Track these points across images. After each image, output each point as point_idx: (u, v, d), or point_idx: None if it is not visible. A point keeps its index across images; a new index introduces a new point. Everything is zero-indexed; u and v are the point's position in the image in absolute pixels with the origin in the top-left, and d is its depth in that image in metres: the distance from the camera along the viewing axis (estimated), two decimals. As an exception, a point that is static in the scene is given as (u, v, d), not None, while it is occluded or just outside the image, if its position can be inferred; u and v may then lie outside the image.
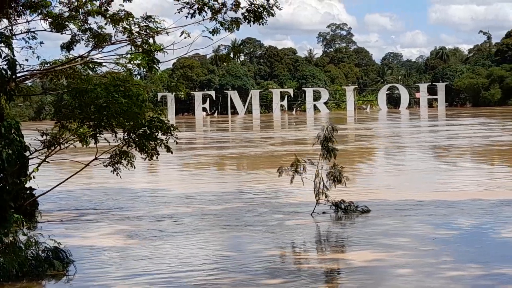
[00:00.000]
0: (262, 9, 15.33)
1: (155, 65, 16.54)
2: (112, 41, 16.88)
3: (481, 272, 13.81)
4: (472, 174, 32.09)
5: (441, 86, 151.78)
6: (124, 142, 16.76)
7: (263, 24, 15.51)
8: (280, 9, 15.46)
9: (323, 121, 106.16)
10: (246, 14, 15.45)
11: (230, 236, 18.36)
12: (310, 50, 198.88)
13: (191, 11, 15.70)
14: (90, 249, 17.07)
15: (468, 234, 17.76)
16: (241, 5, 15.59)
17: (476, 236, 17.47)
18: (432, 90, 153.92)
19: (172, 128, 16.64)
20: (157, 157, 16.75)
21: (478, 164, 37.52)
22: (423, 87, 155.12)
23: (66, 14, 16.94)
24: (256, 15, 15.40)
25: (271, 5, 15.32)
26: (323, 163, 20.73)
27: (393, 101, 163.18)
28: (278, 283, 13.49)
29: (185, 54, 16.20)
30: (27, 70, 17.74)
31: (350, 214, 20.57)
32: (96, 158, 16.98)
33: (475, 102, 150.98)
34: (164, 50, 16.34)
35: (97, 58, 17.34)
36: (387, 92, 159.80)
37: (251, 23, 15.57)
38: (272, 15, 15.46)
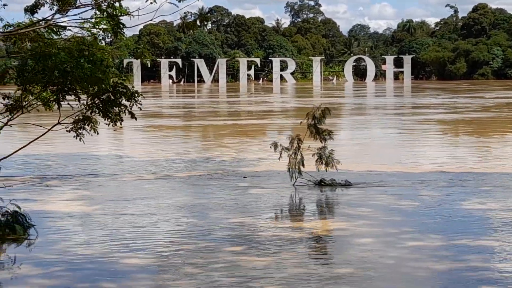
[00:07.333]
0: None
1: (120, 30, 16.28)
2: (77, 5, 16.59)
3: (441, 242, 13.97)
4: (436, 147, 32.37)
5: (407, 59, 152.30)
6: (87, 107, 16.57)
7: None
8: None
9: (289, 91, 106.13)
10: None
11: (194, 203, 18.33)
12: (278, 20, 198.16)
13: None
14: (52, 214, 16.97)
15: (430, 206, 17.88)
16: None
17: (438, 208, 17.60)
18: (398, 63, 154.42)
19: (136, 94, 16.46)
20: (120, 123, 16.58)
21: (443, 137, 37.81)
22: (390, 59, 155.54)
23: (31, -24, 16.67)
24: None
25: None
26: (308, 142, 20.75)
27: (360, 73, 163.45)
28: (240, 250, 13.52)
29: (151, 20, 15.94)
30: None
31: (317, 186, 20.61)
32: (59, 123, 16.77)
33: (440, 75, 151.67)
34: (130, 14, 16.07)
35: (62, 22, 17.06)
36: (354, 63, 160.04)
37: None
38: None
